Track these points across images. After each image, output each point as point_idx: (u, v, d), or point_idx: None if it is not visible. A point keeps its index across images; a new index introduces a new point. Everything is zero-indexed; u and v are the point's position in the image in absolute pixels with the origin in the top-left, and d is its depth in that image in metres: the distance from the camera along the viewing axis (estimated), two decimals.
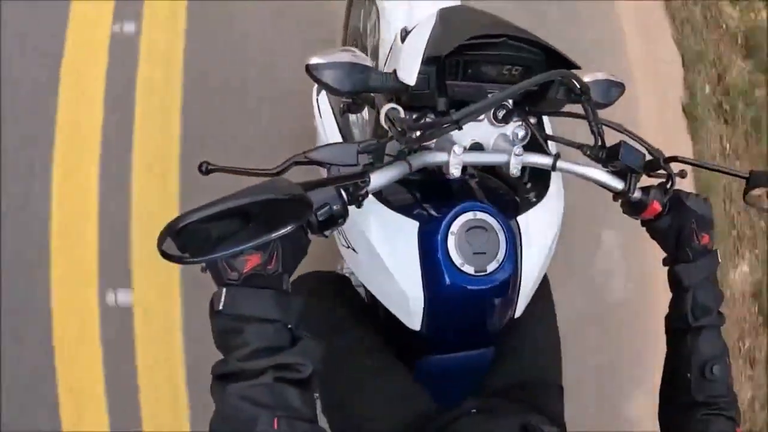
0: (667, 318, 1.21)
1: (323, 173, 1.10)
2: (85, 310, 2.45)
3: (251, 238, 0.78)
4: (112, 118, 2.66)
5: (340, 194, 0.97)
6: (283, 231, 0.79)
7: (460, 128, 1.06)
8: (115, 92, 2.70)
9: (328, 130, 1.47)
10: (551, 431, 1.06)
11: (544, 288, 1.44)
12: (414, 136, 1.05)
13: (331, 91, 1.13)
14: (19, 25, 2.69)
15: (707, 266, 1.17)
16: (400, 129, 1.06)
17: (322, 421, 1.26)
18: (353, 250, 1.29)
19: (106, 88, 2.70)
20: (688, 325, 1.15)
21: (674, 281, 1.19)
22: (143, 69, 2.75)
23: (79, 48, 2.74)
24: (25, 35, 2.70)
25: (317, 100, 1.54)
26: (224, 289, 0.84)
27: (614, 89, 1.28)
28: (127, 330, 2.45)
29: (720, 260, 1.19)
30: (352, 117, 1.76)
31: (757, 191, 1.17)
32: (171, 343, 2.47)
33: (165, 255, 0.76)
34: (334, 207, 0.96)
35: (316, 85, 1.53)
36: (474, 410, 1.18)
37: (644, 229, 1.25)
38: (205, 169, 0.90)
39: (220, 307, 0.84)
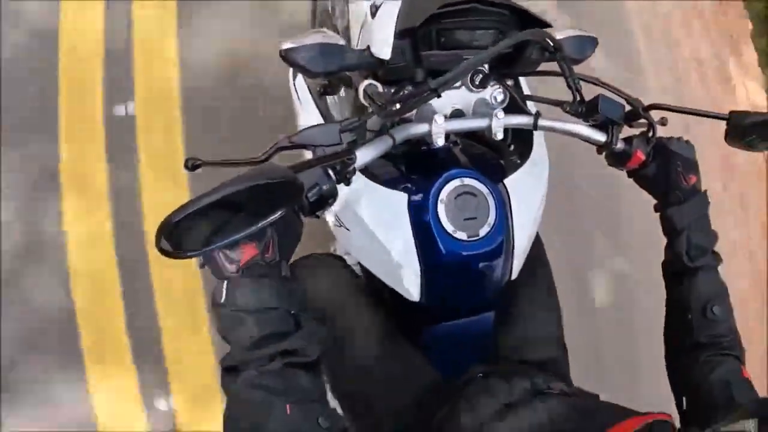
0: (664, 263, 1.23)
1: (308, 156, 1.10)
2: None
3: (246, 226, 0.79)
4: None
5: (328, 174, 0.97)
6: (277, 215, 0.80)
7: (439, 96, 1.07)
8: None
9: (309, 113, 1.47)
10: (559, 387, 1.08)
11: (537, 248, 1.45)
12: (394, 109, 1.06)
13: (306, 73, 1.13)
14: None
15: (698, 207, 1.19)
16: (380, 104, 1.06)
17: (333, 403, 1.27)
18: (345, 228, 1.30)
19: None
20: (685, 267, 1.16)
21: (667, 225, 1.20)
22: None
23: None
24: None
25: (294, 84, 1.54)
26: (224, 282, 0.85)
27: (587, 44, 1.28)
28: None
29: (710, 200, 1.21)
30: (330, 98, 1.76)
31: (738, 131, 1.19)
32: None
33: (163, 251, 0.76)
34: (324, 187, 0.96)
35: (291, 70, 1.53)
36: (481, 375, 1.20)
37: None
38: (191, 165, 0.90)
39: (222, 300, 0.84)
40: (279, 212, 0.80)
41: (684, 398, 1.11)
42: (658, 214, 1.23)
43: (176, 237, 0.77)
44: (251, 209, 0.81)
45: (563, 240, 2.66)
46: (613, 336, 2.79)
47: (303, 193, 0.89)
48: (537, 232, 1.41)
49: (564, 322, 1.45)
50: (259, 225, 0.80)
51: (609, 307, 2.86)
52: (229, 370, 0.84)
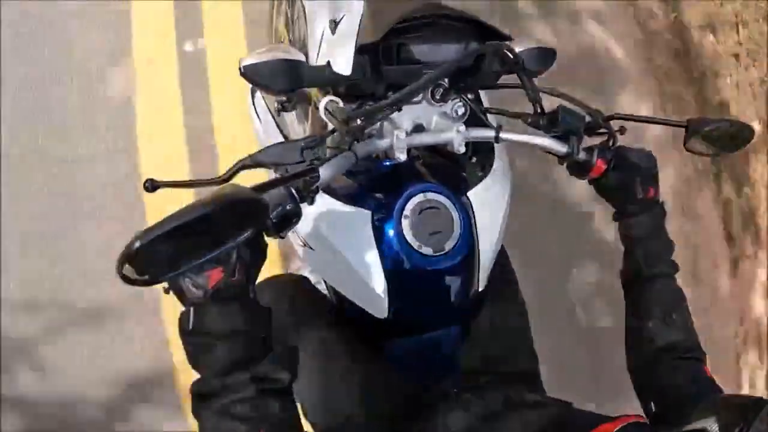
0: (622, 272, 1.24)
1: (271, 175, 1.09)
2: None
3: (211, 249, 0.77)
4: None
5: (291, 193, 0.96)
6: (244, 236, 0.78)
7: (399, 110, 1.07)
8: None
9: (269, 131, 1.45)
10: (532, 398, 1.08)
11: (503, 259, 1.45)
12: (356, 124, 1.05)
13: (267, 90, 1.12)
14: None
15: (655, 217, 1.20)
16: (341, 120, 1.05)
17: (307, 426, 1.25)
18: (310, 248, 1.28)
19: None
20: (643, 275, 1.18)
21: (625, 235, 1.22)
22: None
23: None
24: None
25: (253, 102, 1.52)
26: (191, 308, 0.82)
27: (547, 56, 1.29)
28: None
29: (667, 210, 1.22)
30: (289, 115, 1.75)
31: (697, 138, 1.20)
32: None
33: (126, 279, 0.74)
34: (288, 206, 0.94)
35: (249, 89, 1.51)
36: (455, 390, 1.19)
37: None
38: (151, 186, 0.88)
39: (190, 327, 0.82)
40: (246, 234, 0.79)
41: (652, 403, 1.11)
42: (616, 222, 1.24)
43: (140, 263, 0.75)
44: (216, 232, 0.78)
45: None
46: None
47: (268, 214, 0.88)
48: (502, 244, 1.41)
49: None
50: (226, 247, 0.78)
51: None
52: (201, 397, 0.82)
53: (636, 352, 1.20)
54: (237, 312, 0.83)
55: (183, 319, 0.82)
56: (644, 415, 1.09)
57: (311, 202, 1.00)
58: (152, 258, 0.75)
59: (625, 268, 1.23)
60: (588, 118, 1.20)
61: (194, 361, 0.83)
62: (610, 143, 1.20)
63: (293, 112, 1.72)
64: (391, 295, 1.22)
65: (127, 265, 0.73)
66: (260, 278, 1.00)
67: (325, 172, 1.01)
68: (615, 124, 1.20)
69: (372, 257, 1.21)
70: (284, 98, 1.44)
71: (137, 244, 0.72)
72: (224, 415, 0.79)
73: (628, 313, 1.22)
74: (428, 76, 1.05)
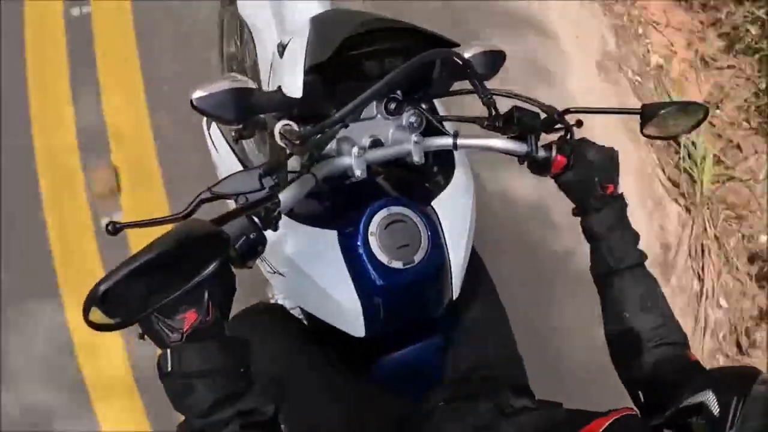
0: (592, 269, 1.24)
1: (232, 205, 1.08)
2: None
3: (177, 287, 0.77)
4: None
5: (253, 221, 0.95)
6: (208, 271, 0.78)
7: (346, 126, 1.06)
8: None
9: (227, 161, 1.44)
10: (522, 403, 1.07)
11: (476, 265, 1.45)
12: (309, 146, 1.05)
13: (220, 121, 1.11)
14: None
15: (616, 210, 1.20)
16: (296, 143, 1.05)
17: None
18: (280, 274, 1.27)
19: None
20: (612, 269, 1.18)
21: (588, 231, 1.22)
22: None
23: None
24: None
25: (209, 134, 1.51)
26: (169, 351, 0.81)
27: (496, 58, 1.30)
28: None
29: (627, 202, 1.23)
30: (247, 143, 1.74)
31: (653, 122, 1.22)
32: None
33: (93, 325, 0.73)
34: (251, 236, 0.94)
35: (205, 119, 1.50)
36: (442, 402, 1.19)
37: None
38: (113, 228, 0.87)
39: (169, 369, 0.81)
40: (210, 268, 0.78)
41: (640, 393, 1.11)
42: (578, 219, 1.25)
43: (106, 307, 0.74)
44: (180, 268, 0.78)
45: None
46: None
47: (230, 246, 0.87)
48: (474, 249, 1.41)
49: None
50: (191, 283, 0.77)
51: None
52: None
53: (618, 344, 1.20)
54: (215, 350, 0.83)
55: (161, 363, 0.82)
56: (634, 407, 1.09)
57: (275, 228, 1.00)
58: (121, 301, 0.75)
59: (593, 264, 1.23)
60: (543, 115, 1.20)
61: (177, 403, 0.82)
62: (568, 137, 1.21)
63: (251, 139, 1.71)
64: (367, 312, 1.21)
65: (95, 311, 0.72)
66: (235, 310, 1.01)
67: (285, 197, 1.00)
68: (571, 118, 1.20)
69: (343, 277, 1.20)
70: (240, 126, 1.44)
71: (102, 288, 0.72)
72: None
73: (604, 308, 1.22)
74: (375, 87, 1.05)
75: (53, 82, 2.76)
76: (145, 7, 2.92)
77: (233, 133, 1.41)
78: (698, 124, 1.24)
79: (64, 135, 2.66)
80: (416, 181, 1.38)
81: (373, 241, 1.17)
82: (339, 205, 1.29)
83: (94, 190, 2.55)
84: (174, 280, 0.78)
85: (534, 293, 2.72)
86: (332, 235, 1.21)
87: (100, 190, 2.56)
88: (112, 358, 2.34)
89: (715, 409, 0.76)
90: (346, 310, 1.21)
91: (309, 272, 1.22)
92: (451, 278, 1.29)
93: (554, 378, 2.60)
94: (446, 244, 1.28)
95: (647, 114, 1.21)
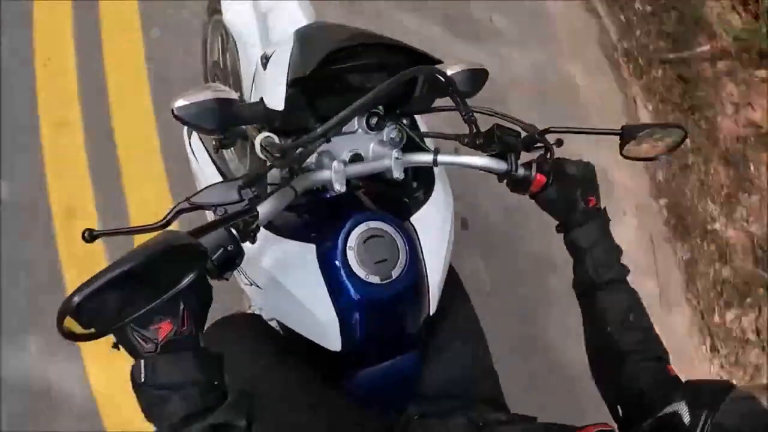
0: (574, 283, 1.25)
1: (210, 216, 1.07)
2: None
3: (153, 298, 0.77)
4: None
5: (231, 234, 0.95)
6: (184, 283, 0.78)
7: (328, 141, 1.07)
8: None
9: (207, 172, 1.43)
10: (496, 417, 1.07)
11: (453, 281, 1.45)
12: (290, 159, 1.05)
13: (201, 130, 1.11)
14: None
15: (599, 225, 1.21)
16: (276, 155, 1.05)
17: None
18: (257, 286, 1.27)
19: None
20: (595, 283, 1.19)
21: (571, 246, 1.23)
22: None
23: None
24: None
25: (189, 143, 1.51)
26: (142, 361, 0.81)
27: (478, 77, 1.31)
28: None
29: (610, 217, 1.24)
30: (228, 153, 1.74)
31: (632, 144, 1.23)
32: None
33: (67, 335, 0.73)
34: (228, 248, 0.94)
35: (185, 129, 1.50)
36: (416, 417, 1.18)
37: None
38: (89, 236, 0.86)
39: (142, 380, 0.81)
40: (186, 280, 0.79)
41: (618, 407, 1.12)
42: (561, 235, 1.26)
43: (81, 317, 0.73)
44: (157, 280, 0.78)
45: None
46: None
47: (207, 257, 0.87)
48: (451, 264, 1.41)
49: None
50: (167, 295, 0.78)
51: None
52: None
53: (598, 358, 1.21)
54: (189, 361, 0.83)
55: (135, 373, 0.82)
56: (611, 422, 1.09)
57: (253, 240, 0.99)
58: (96, 311, 0.74)
59: (576, 279, 1.24)
60: (523, 134, 1.21)
61: (149, 413, 0.82)
62: (548, 156, 1.21)
63: (232, 150, 1.71)
64: (343, 326, 1.21)
65: (70, 320, 0.72)
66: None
67: (264, 210, 1.00)
68: (551, 137, 1.21)
69: (320, 291, 1.20)
70: (221, 136, 1.43)
71: (78, 298, 0.71)
72: None
73: (586, 322, 1.23)
74: (357, 103, 1.05)
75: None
76: None
77: (214, 142, 1.40)
78: (676, 147, 1.25)
79: None
80: (396, 197, 1.39)
81: (351, 255, 1.17)
82: (318, 219, 1.29)
83: None
84: (150, 291, 0.77)
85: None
86: (310, 248, 1.21)
87: None
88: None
89: (687, 419, 0.77)
90: (322, 324, 1.21)
91: (286, 285, 1.21)
92: (429, 294, 1.29)
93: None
94: (424, 260, 1.28)
95: (626, 135, 1.22)
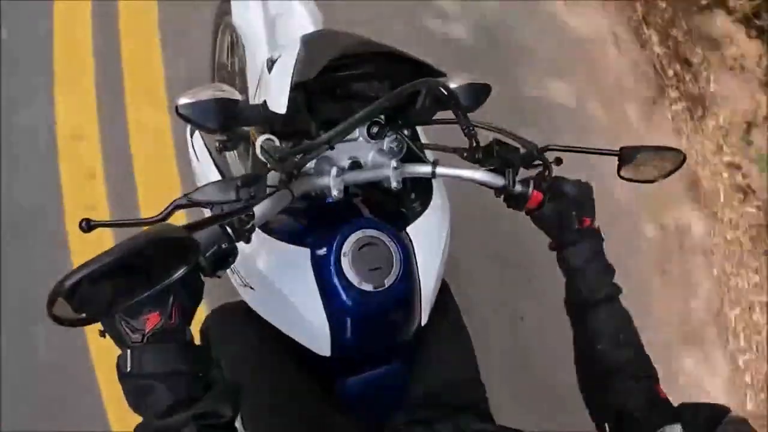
0: (566, 301, 1.25)
1: (207, 214, 1.08)
2: None
3: (144, 289, 0.78)
4: None
5: (226, 232, 0.95)
6: (175, 276, 0.79)
7: (331, 148, 1.07)
8: None
9: (207, 171, 1.44)
10: (481, 427, 1.08)
11: (444, 292, 1.46)
12: (290, 162, 1.06)
13: (202, 129, 1.12)
14: None
15: (592, 244, 1.22)
16: (276, 158, 1.06)
17: None
18: (250, 287, 1.28)
19: None
20: (586, 302, 1.19)
21: (564, 265, 1.23)
22: None
23: None
24: None
25: (191, 141, 1.52)
26: (128, 351, 0.83)
27: (481, 92, 1.32)
28: None
29: (603, 237, 1.24)
30: (230, 155, 1.75)
31: (630, 165, 1.24)
32: None
33: (57, 319, 0.73)
34: (223, 245, 0.94)
35: (188, 127, 1.51)
36: (402, 425, 1.18)
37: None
38: (86, 225, 0.87)
39: (128, 369, 0.82)
40: (177, 273, 0.79)
41: (606, 425, 1.12)
42: (555, 253, 1.26)
43: (74, 301, 0.74)
44: (148, 271, 0.79)
45: None
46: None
47: (199, 252, 0.88)
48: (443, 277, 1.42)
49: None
50: (159, 287, 0.78)
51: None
52: None
53: (588, 375, 1.21)
54: (174, 353, 0.84)
55: (120, 363, 0.83)
56: None
57: (247, 240, 1.00)
58: (89, 296, 0.75)
59: (568, 297, 1.24)
60: (523, 150, 1.22)
61: (135, 403, 0.83)
62: (546, 174, 1.22)
63: (234, 152, 1.72)
64: (333, 332, 1.21)
65: (61, 304, 0.73)
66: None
67: (260, 210, 1.01)
68: (551, 156, 1.22)
69: (312, 295, 1.20)
70: (224, 137, 1.44)
71: (67, 284, 0.72)
72: None
73: (576, 339, 1.23)
74: (362, 113, 1.07)
75: None
76: None
77: (217, 144, 1.41)
78: (674, 170, 1.26)
79: None
80: (392, 206, 1.39)
81: (345, 261, 1.18)
82: (313, 223, 1.30)
83: None
84: (141, 282, 0.78)
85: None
86: (305, 252, 1.21)
87: None
88: None
89: None
90: (313, 328, 1.21)
91: (279, 287, 1.22)
92: (421, 305, 1.30)
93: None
94: (418, 270, 1.28)
95: (625, 156, 1.23)
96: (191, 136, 1.52)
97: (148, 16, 2.96)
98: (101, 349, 2.23)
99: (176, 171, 2.63)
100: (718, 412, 0.82)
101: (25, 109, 2.66)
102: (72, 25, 2.89)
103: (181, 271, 0.79)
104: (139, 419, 0.84)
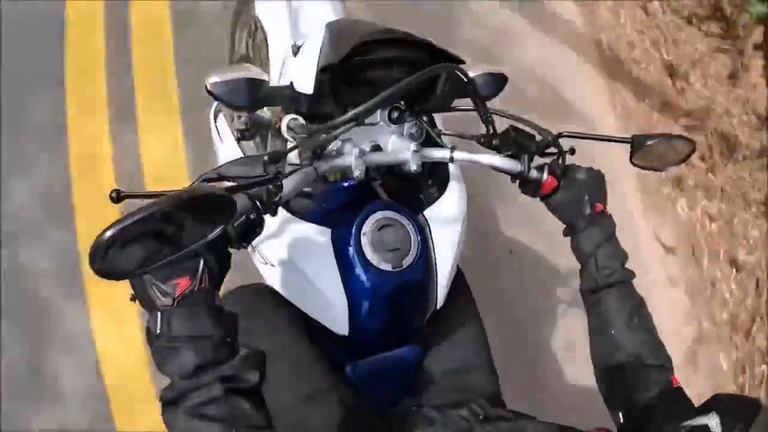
0: (581, 287, 1.27)
1: None
2: None
3: (181, 248, 0.78)
4: None
5: (255, 203, 0.98)
6: (214, 233, 0.80)
7: (359, 124, 1.10)
8: None
9: (230, 151, 1.47)
10: (495, 412, 1.09)
11: (459, 278, 1.48)
12: (318, 138, 1.09)
13: (232, 107, 1.15)
14: None
15: (605, 230, 1.24)
16: (303, 135, 1.09)
17: None
18: (271, 265, 1.30)
19: None
20: (600, 286, 1.21)
21: (577, 249, 1.25)
22: None
23: None
24: None
25: (215, 124, 1.55)
26: (159, 314, 0.84)
27: (498, 81, 1.35)
28: None
29: (615, 222, 1.27)
30: (249, 143, 1.78)
31: (641, 152, 1.27)
32: None
33: (103, 273, 0.74)
34: (251, 216, 0.97)
35: (213, 110, 1.54)
36: (415, 407, 1.20)
37: None
38: (116, 196, 0.89)
39: (158, 331, 0.83)
40: (215, 231, 0.80)
41: (620, 413, 1.13)
42: (568, 239, 1.29)
43: (108, 262, 0.74)
44: (181, 236, 0.79)
45: None
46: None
47: (236, 211, 0.88)
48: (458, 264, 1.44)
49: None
50: (197, 244, 0.79)
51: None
52: (170, 404, 0.83)
53: (602, 361, 1.22)
54: (203, 316, 0.85)
55: (150, 325, 0.84)
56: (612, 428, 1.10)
57: (274, 213, 1.03)
58: (121, 258, 0.75)
59: (582, 282, 1.26)
60: (538, 137, 1.25)
61: (162, 365, 0.84)
62: (560, 161, 1.25)
63: (252, 142, 1.75)
64: (352, 311, 1.24)
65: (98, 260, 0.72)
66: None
67: (288, 184, 1.04)
68: (565, 143, 1.25)
69: (332, 274, 1.23)
70: (243, 126, 1.47)
71: (108, 234, 0.71)
72: (193, 416, 0.80)
73: (591, 324, 1.25)
74: (388, 92, 1.10)
75: None
76: None
77: (236, 133, 1.45)
78: (685, 159, 1.29)
79: None
80: (410, 190, 1.43)
81: (365, 241, 1.21)
82: (334, 204, 1.33)
83: None
84: (174, 244, 0.79)
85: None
86: (326, 232, 1.24)
87: None
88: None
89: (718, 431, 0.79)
90: (332, 307, 1.24)
91: (300, 266, 1.25)
92: (437, 288, 1.33)
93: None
94: (435, 254, 1.31)
95: (636, 143, 1.26)
96: (215, 119, 1.55)
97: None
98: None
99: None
100: (754, 404, 0.83)
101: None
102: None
103: (219, 229, 0.80)
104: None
